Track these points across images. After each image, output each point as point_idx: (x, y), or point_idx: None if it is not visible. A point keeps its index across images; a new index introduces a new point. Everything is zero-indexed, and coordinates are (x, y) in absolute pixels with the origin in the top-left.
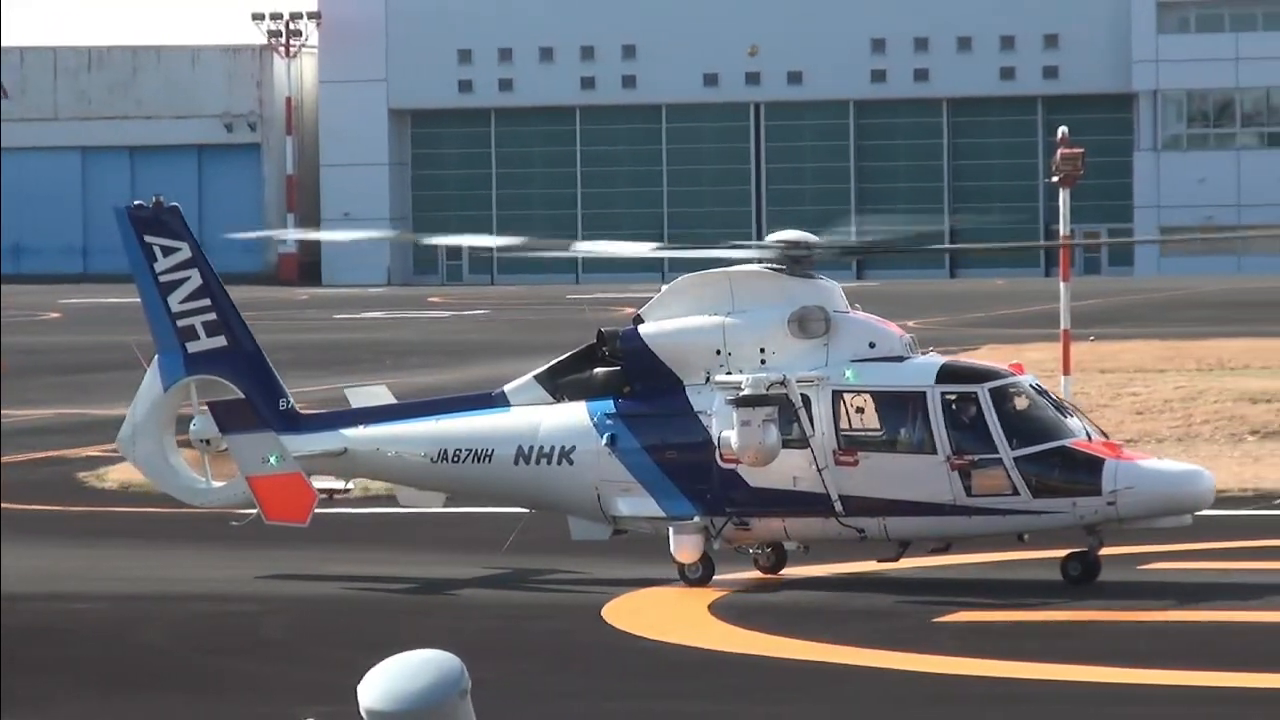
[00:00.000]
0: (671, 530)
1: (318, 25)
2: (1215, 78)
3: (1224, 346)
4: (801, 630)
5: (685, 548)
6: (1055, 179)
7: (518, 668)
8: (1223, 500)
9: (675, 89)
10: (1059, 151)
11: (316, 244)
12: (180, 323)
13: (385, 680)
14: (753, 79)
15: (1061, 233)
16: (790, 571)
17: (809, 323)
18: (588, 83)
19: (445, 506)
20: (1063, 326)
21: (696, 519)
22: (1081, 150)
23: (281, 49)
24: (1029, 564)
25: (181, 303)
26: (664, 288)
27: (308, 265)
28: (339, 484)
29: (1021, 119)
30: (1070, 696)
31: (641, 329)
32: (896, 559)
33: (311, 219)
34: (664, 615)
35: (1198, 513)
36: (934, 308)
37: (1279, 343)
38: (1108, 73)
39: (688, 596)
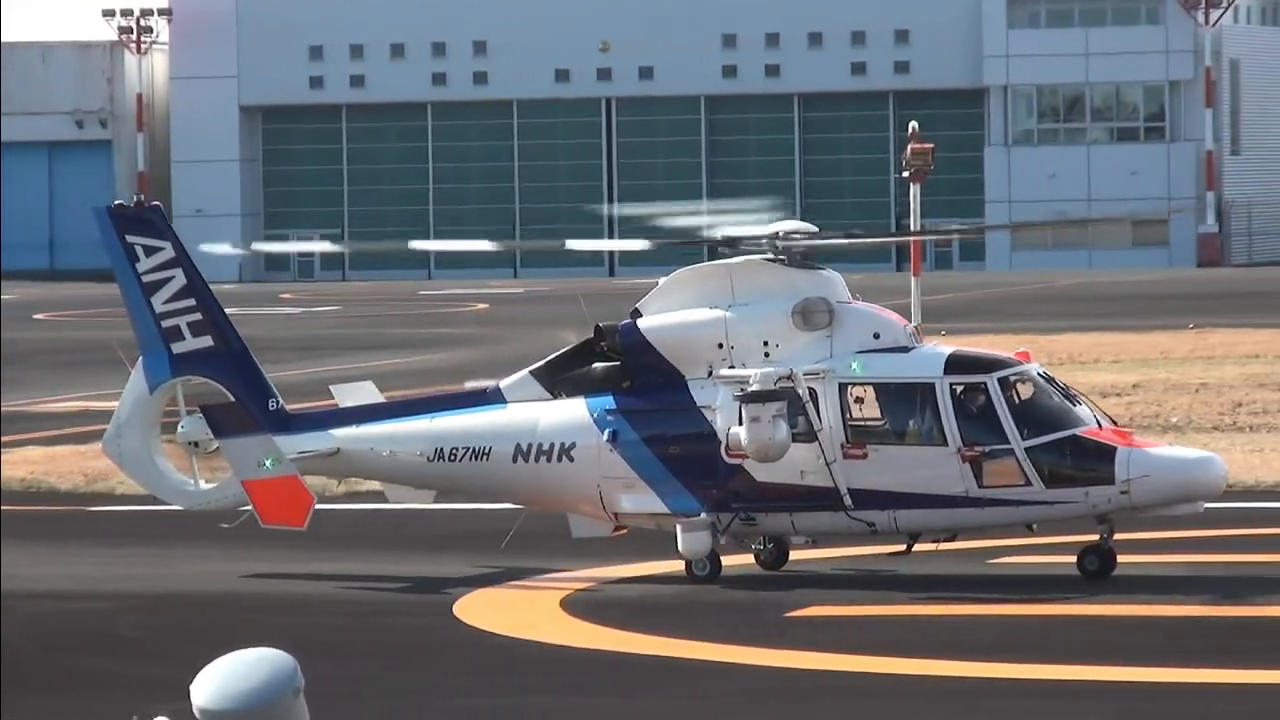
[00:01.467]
0: (679, 527)
1: (169, 22)
2: (1065, 73)
3: (1075, 341)
4: (654, 625)
5: (693, 544)
6: (906, 174)
7: (370, 664)
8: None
9: (527, 85)
10: (910, 147)
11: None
12: (165, 323)
13: (217, 679)
14: (604, 75)
15: (912, 228)
16: (643, 567)
17: (812, 314)
18: (439, 79)
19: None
20: (915, 322)
21: (703, 515)
22: (932, 145)
23: (133, 45)
24: (885, 558)
25: (165, 303)
26: (661, 280)
27: None
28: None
29: (872, 114)
30: (915, 691)
31: (640, 323)
32: (907, 551)
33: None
34: (516, 612)
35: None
36: None
37: (1130, 337)
38: (959, 68)
39: (540, 593)
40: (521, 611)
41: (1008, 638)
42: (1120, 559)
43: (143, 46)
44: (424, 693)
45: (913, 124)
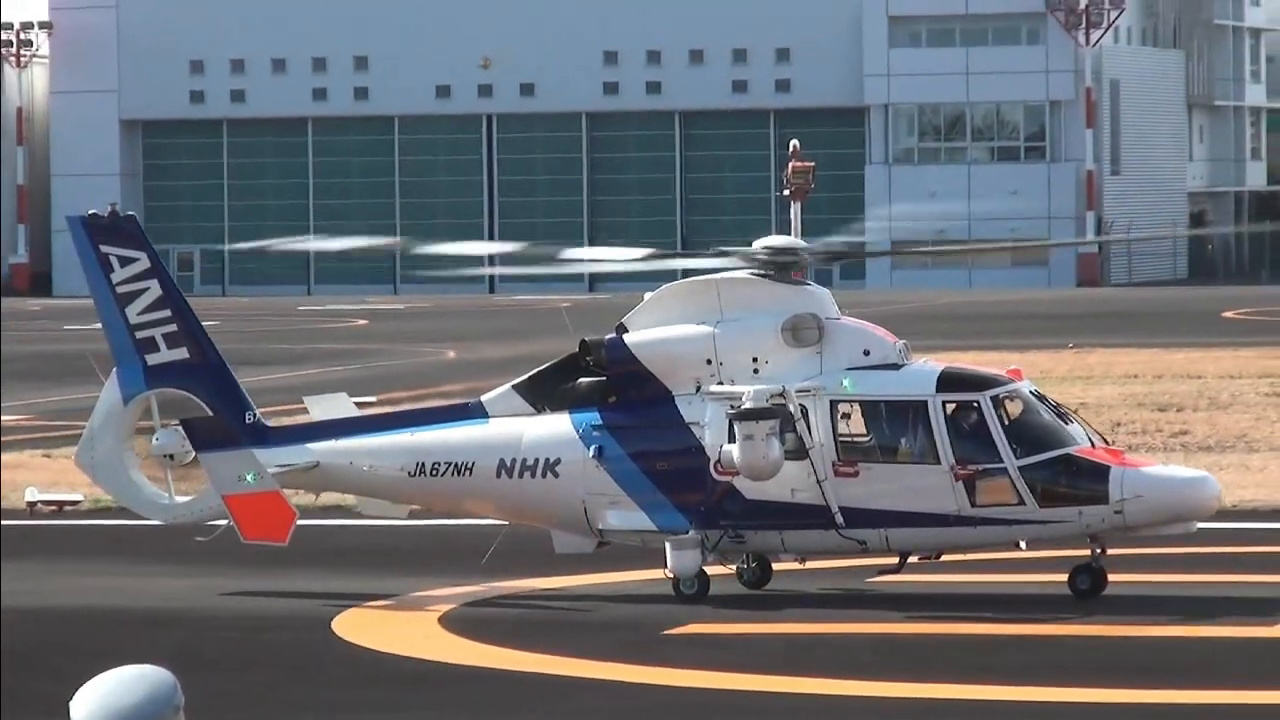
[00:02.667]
0: (668, 545)
1: (49, 35)
2: (946, 92)
3: (955, 360)
4: (532, 643)
5: (683, 562)
6: (787, 192)
7: (249, 679)
8: None
9: (407, 101)
10: (790, 165)
11: (48, 253)
12: (139, 334)
13: (97, 696)
14: (485, 91)
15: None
16: (522, 584)
17: (802, 331)
18: (320, 94)
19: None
20: None
21: (692, 533)
22: (813, 164)
23: (12, 59)
24: (785, 575)
25: (140, 314)
26: (647, 295)
27: (40, 276)
28: (70, 495)
29: (754, 132)
30: (789, 709)
31: (627, 338)
32: (898, 570)
33: (43, 229)
34: (395, 628)
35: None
36: None
37: (1009, 356)
38: (840, 86)
39: (419, 609)
40: (400, 628)
41: (885, 657)
42: (978, 577)
43: (22, 60)
44: (304, 707)
45: (794, 142)
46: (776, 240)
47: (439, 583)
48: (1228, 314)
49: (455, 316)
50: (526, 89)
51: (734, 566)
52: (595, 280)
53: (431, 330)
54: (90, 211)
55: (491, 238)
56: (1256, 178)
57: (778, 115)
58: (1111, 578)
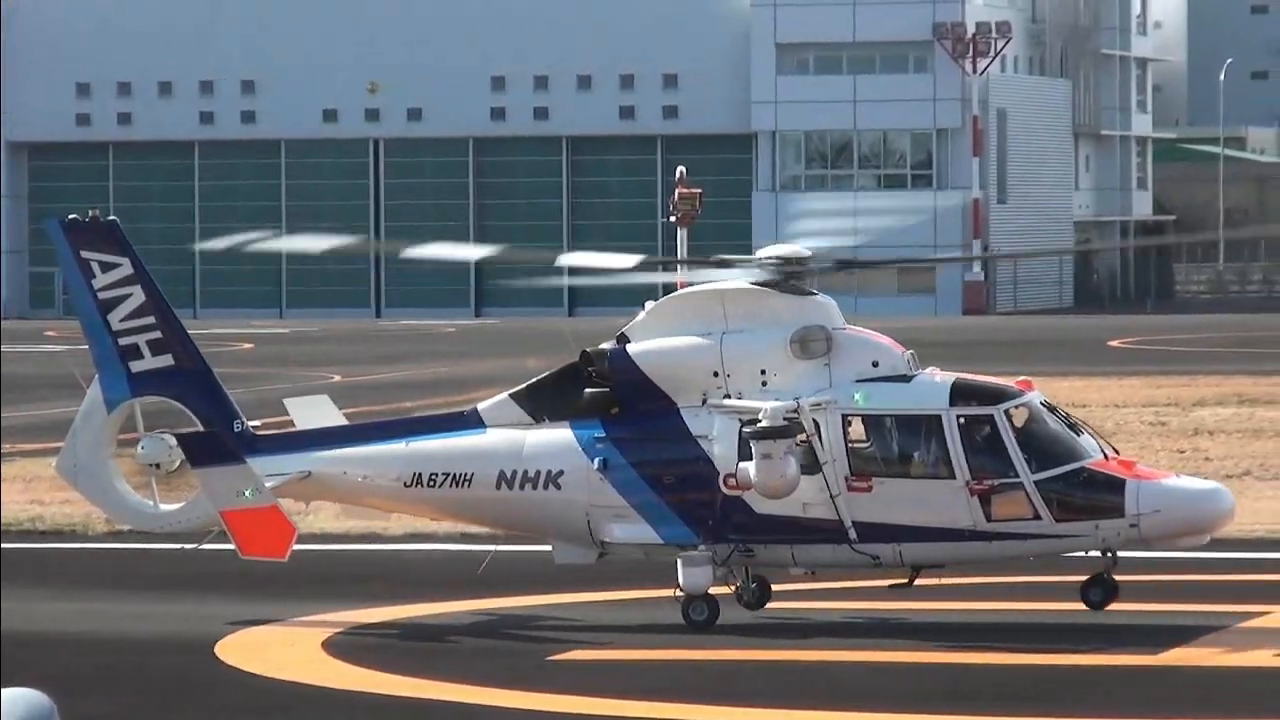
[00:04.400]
0: (680, 561)
1: None
2: (833, 119)
3: None
4: (414, 668)
5: (695, 579)
6: (674, 218)
7: (127, 703)
8: None
9: (294, 125)
10: (677, 191)
11: None
12: (122, 341)
13: None
14: (372, 115)
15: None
16: (410, 609)
17: (810, 343)
18: (207, 118)
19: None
20: None
21: (702, 548)
22: (699, 190)
23: None
24: (649, 603)
25: (123, 320)
26: (648, 305)
27: None
28: None
29: (641, 158)
30: None
31: (630, 349)
32: (909, 584)
33: None
34: (278, 652)
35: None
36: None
37: None
38: (727, 113)
39: (303, 634)
40: (282, 652)
41: (773, 682)
42: (872, 605)
43: None
44: None
45: (680, 169)
46: (781, 249)
47: (325, 607)
48: (1113, 343)
49: (341, 341)
50: (414, 114)
51: (734, 587)
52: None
53: (317, 354)
54: (70, 216)
55: (378, 264)
56: (1143, 207)
57: (665, 141)
58: (1010, 607)
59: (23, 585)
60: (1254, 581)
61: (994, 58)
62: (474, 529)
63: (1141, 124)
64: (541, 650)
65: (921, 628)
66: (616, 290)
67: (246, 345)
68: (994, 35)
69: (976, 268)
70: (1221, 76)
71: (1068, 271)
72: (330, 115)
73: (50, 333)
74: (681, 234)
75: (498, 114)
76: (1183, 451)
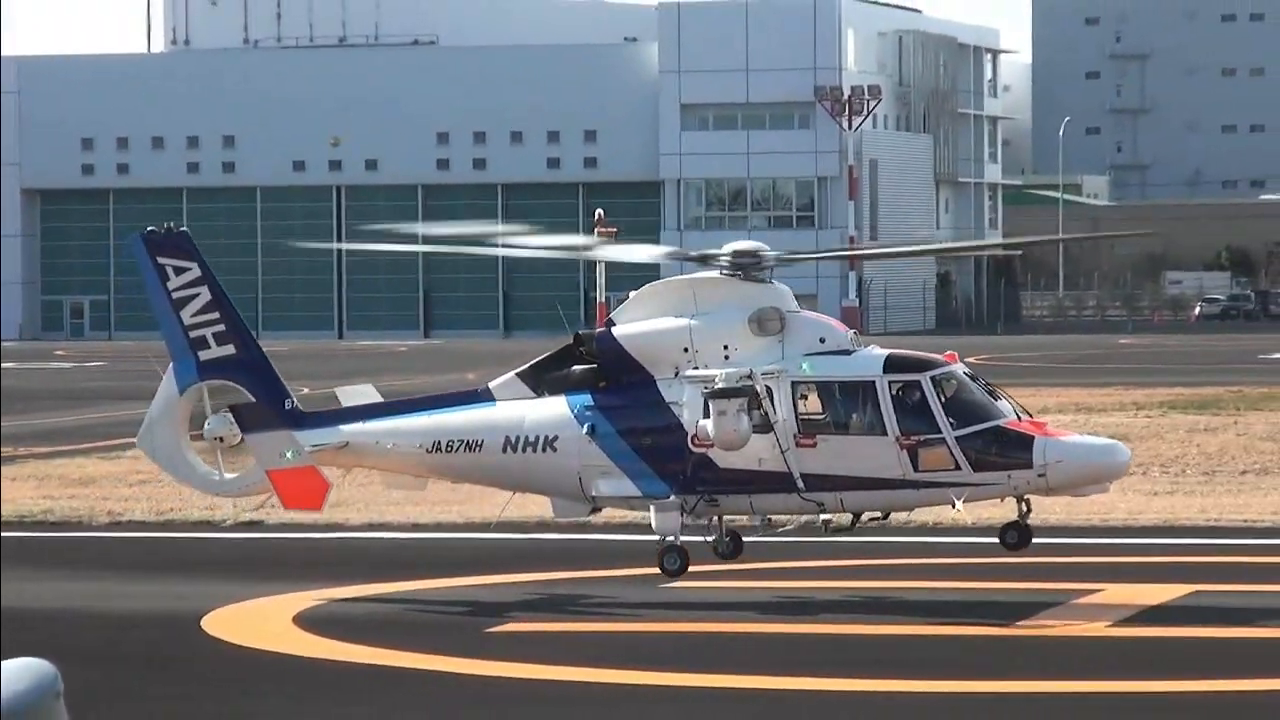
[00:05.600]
0: (653, 508)
1: None
2: (730, 169)
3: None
4: (371, 639)
5: (665, 523)
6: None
7: (116, 673)
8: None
9: (268, 174)
10: (596, 230)
11: None
12: (192, 334)
13: None
14: (335, 165)
15: (598, 300)
16: (365, 589)
17: (766, 322)
18: (193, 167)
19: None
20: None
21: (672, 497)
22: (616, 229)
23: None
24: (579, 581)
25: (193, 316)
26: (631, 294)
27: None
28: None
29: (565, 202)
30: (599, 698)
31: (615, 330)
32: (851, 526)
33: None
34: (254, 626)
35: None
36: (449, 366)
37: None
38: (639, 163)
39: (277, 608)
40: (259, 626)
41: (680, 650)
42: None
43: None
44: (166, 698)
45: (599, 211)
46: (743, 245)
47: (296, 587)
48: (969, 360)
49: (308, 359)
50: (371, 164)
51: (711, 539)
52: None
53: (288, 370)
54: (149, 229)
55: (341, 292)
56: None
57: (586, 187)
58: (885, 584)
59: (29, 568)
60: (1088, 564)
61: (866, 116)
62: (429, 518)
63: (992, 172)
64: (481, 624)
65: (808, 604)
66: (545, 318)
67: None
68: (867, 97)
69: (853, 294)
70: (1060, 132)
71: (930, 298)
72: (299, 165)
73: (59, 352)
74: (600, 268)
75: (443, 164)
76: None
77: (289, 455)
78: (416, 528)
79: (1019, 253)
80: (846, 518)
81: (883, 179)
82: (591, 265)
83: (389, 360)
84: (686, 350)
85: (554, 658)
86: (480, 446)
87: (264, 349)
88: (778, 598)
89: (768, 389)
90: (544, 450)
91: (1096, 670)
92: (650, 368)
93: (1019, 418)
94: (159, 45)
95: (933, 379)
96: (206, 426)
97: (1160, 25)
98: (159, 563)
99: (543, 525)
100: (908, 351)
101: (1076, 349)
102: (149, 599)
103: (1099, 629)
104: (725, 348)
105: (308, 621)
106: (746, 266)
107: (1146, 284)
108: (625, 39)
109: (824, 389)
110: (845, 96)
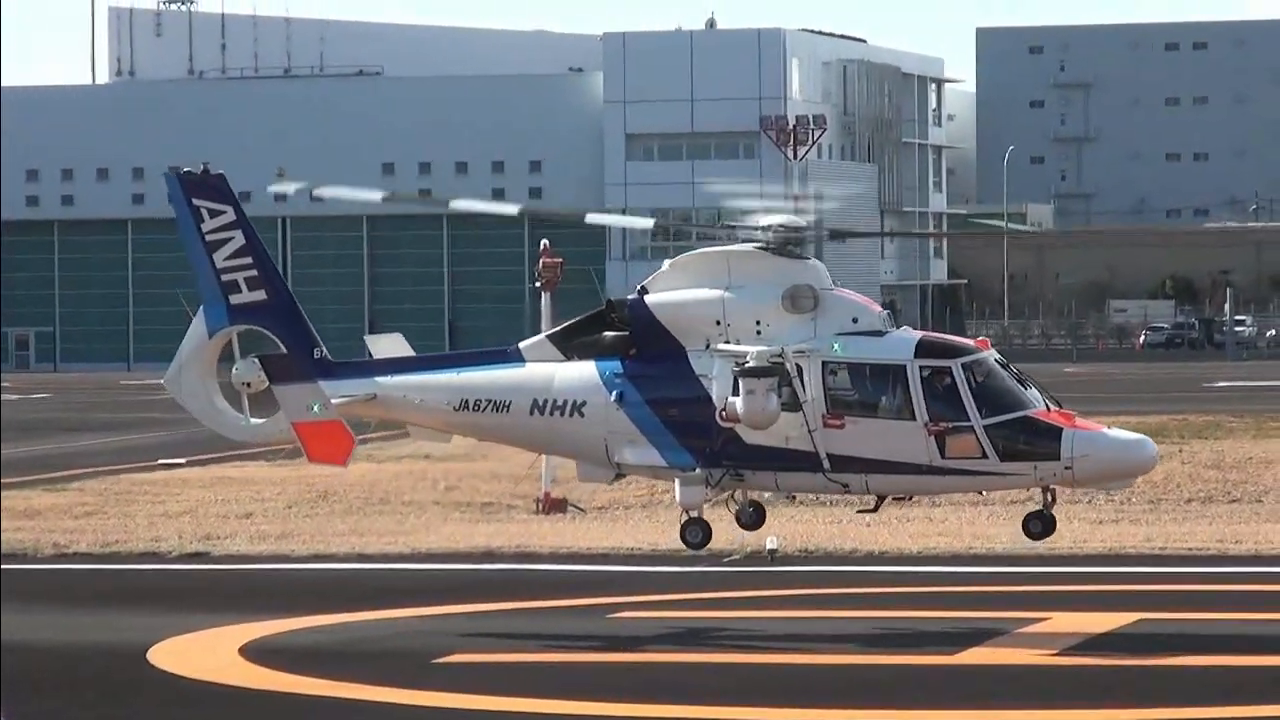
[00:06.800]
0: (677, 481)
1: None
2: (675, 198)
3: None
4: (318, 670)
5: (690, 496)
6: (538, 284)
7: (62, 705)
8: (679, 558)
9: None
10: (542, 261)
11: None
12: (224, 277)
13: None
14: (280, 196)
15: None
16: (311, 620)
17: (800, 299)
18: (139, 199)
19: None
20: None
21: (698, 470)
22: (561, 260)
23: None
24: (526, 613)
25: (226, 260)
26: (666, 263)
27: None
28: None
29: (511, 233)
30: None
31: (647, 299)
32: (875, 509)
33: None
34: (201, 657)
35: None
36: None
37: None
38: (584, 193)
39: (223, 639)
40: (205, 657)
41: (625, 679)
42: (716, 614)
43: None
44: None
45: (544, 241)
46: (781, 218)
47: (242, 618)
48: None
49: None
50: (315, 196)
51: (734, 510)
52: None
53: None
54: (185, 169)
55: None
56: (939, 273)
57: (533, 217)
58: (831, 613)
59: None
60: (1034, 592)
61: (811, 145)
62: (375, 549)
63: (937, 202)
64: (427, 654)
65: (754, 634)
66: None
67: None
68: (811, 126)
69: None
70: (1005, 161)
71: None
72: (244, 196)
73: (5, 384)
74: (546, 297)
75: (387, 197)
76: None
77: (315, 409)
78: (362, 558)
79: (964, 281)
80: (871, 499)
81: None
82: (537, 297)
83: None
84: (719, 323)
85: (501, 688)
86: (508, 407)
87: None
88: (723, 627)
89: (798, 367)
90: (571, 415)
91: (1043, 698)
92: (681, 338)
93: (1048, 408)
94: (104, 76)
95: (964, 365)
96: (234, 371)
97: (1104, 54)
98: (105, 594)
99: (489, 556)
100: (940, 336)
101: None
102: (95, 631)
103: (1046, 657)
104: (758, 323)
105: (254, 653)
106: (783, 241)
107: (1091, 312)
108: (570, 69)
109: (854, 370)
110: (790, 126)
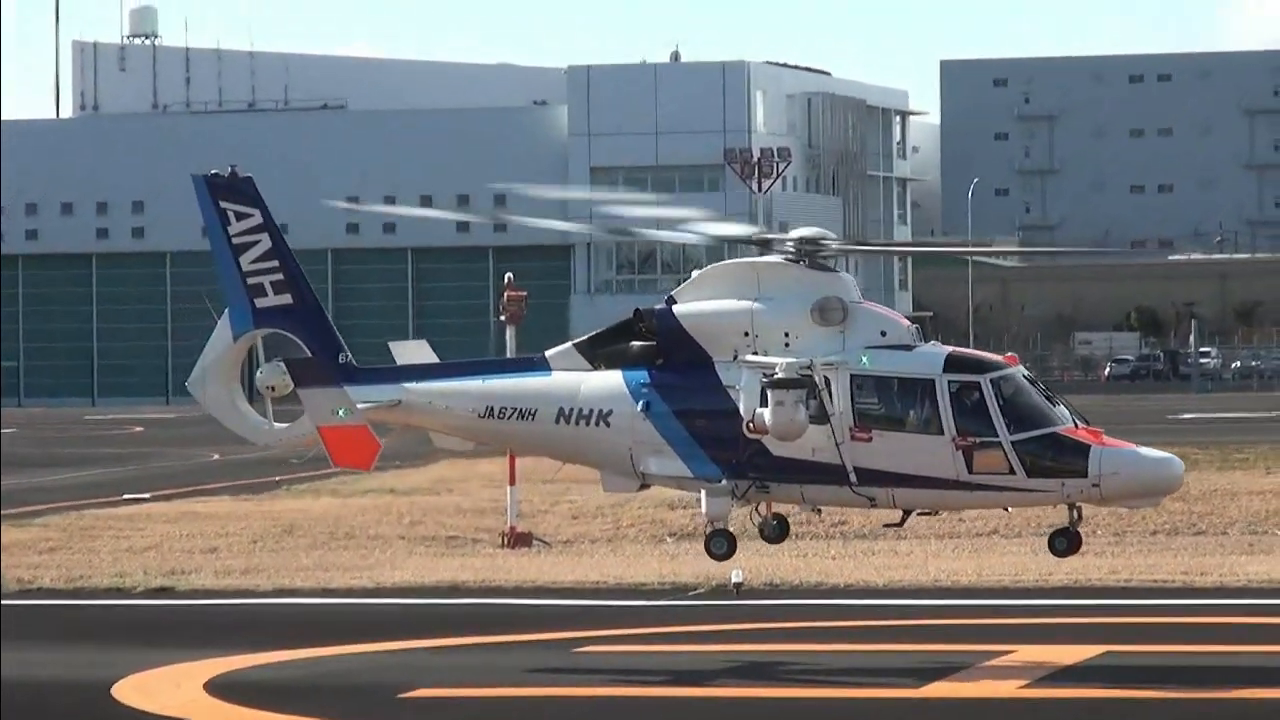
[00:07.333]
0: (704, 492)
1: None
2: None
3: None
4: (284, 705)
5: (716, 508)
6: (503, 318)
7: None
8: (645, 592)
9: (178, 239)
10: (506, 294)
11: None
12: (250, 280)
13: None
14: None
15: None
16: (276, 655)
17: (829, 311)
18: (103, 233)
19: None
20: None
21: (724, 481)
22: (525, 294)
23: None
24: (490, 647)
25: (252, 263)
26: (695, 273)
27: None
28: None
29: (475, 266)
30: None
31: (675, 308)
32: (901, 524)
33: None
34: (166, 692)
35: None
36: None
37: None
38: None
39: (189, 675)
40: (170, 693)
41: (589, 714)
42: (684, 648)
43: None
44: None
45: (508, 275)
46: (808, 231)
47: (208, 653)
48: None
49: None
50: (281, 228)
51: (757, 524)
52: None
53: (199, 435)
54: (212, 171)
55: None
56: (904, 305)
57: (495, 251)
58: (795, 647)
59: None
60: (1000, 625)
61: (776, 178)
62: (340, 583)
63: (902, 234)
64: (392, 690)
65: (717, 669)
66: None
67: (138, 428)
68: (776, 159)
69: None
70: (969, 193)
71: None
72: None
73: None
74: (510, 331)
75: (352, 229)
76: (937, 513)
77: (341, 413)
78: (327, 593)
79: (930, 314)
80: (897, 513)
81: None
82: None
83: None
84: (747, 334)
85: None
86: (533, 415)
87: (177, 415)
88: (687, 663)
89: (826, 380)
90: (597, 424)
91: None
92: (709, 349)
93: (1076, 424)
94: (68, 110)
95: (993, 381)
96: (258, 375)
97: (1068, 86)
98: (69, 630)
99: (454, 590)
100: (969, 351)
101: None
102: (59, 667)
103: (1011, 690)
104: (786, 334)
105: (219, 688)
106: (812, 253)
107: (1056, 345)
108: (535, 102)
109: (882, 384)
110: (754, 159)
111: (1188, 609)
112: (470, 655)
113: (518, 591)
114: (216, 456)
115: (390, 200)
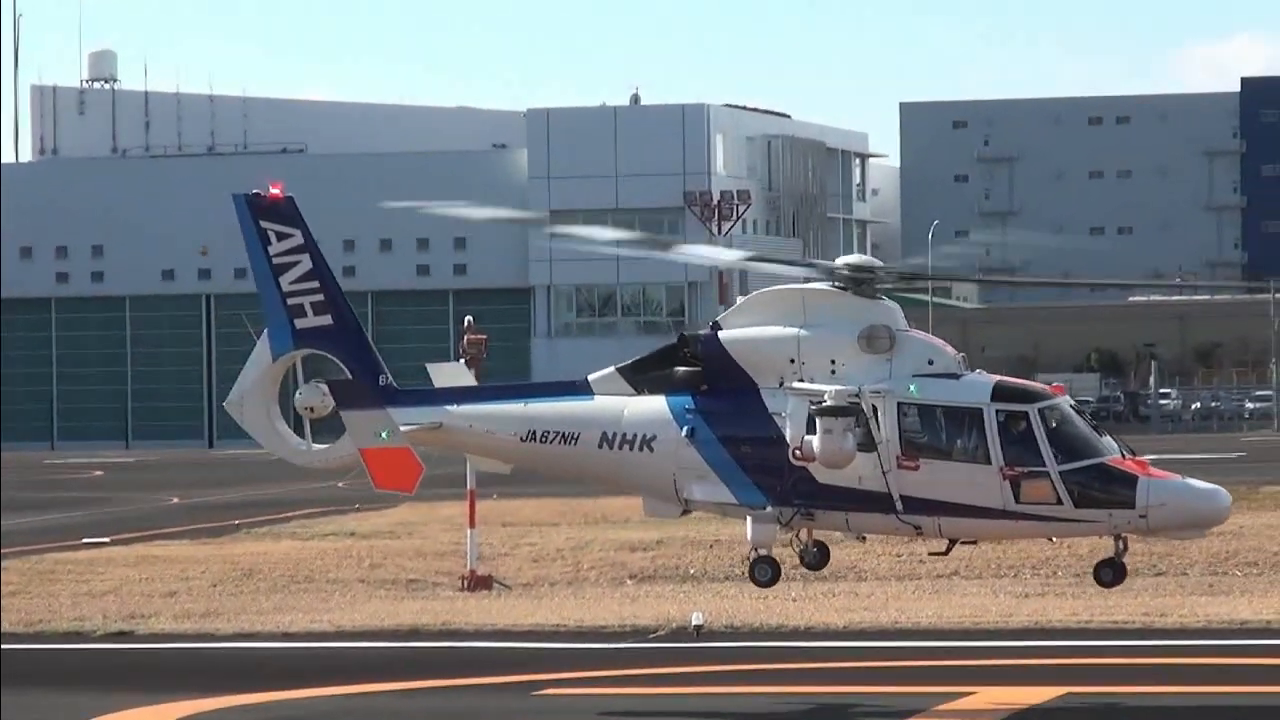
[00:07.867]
0: (750, 519)
1: None
2: (600, 275)
3: (608, 503)
4: None
5: (761, 535)
6: (463, 360)
7: None
8: (605, 635)
9: (137, 283)
10: (466, 337)
11: None
12: (290, 301)
13: None
14: (204, 274)
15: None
16: (236, 699)
17: (876, 339)
18: (62, 278)
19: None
20: (469, 486)
21: (769, 509)
22: (485, 336)
23: None
24: (461, 689)
25: (292, 283)
26: (740, 299)
27: None
28: None
29: (435, 309)
30: None
31: (721, 334)
32: (945, 552)
33: None
34: None
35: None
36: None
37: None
38: (509, 270)
39: (149, 719)
40: None
41: None
42: (637, 691)
43: None
44: None
45: (469, 318)
46: (855, 259)
47: (172, 697)
48: None
49: (179, 468)
50: (240, 272)
51: (798, 550)
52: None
53: (157, 479)
54: (254, 191)
55: (211, 401)
56: None
57: (456, 294)
58: (755, 689)
59: None
60: (960, 666)
61: (736, 220)
62: (300, 627)
63: None
64: None
65: (677, 710)
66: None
67: (98, 471)
68: (736, 201)
69: None
70: (929, 235)
71: None
72: (168, 274)
73: None
74: (471, 373)
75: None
76: (899, 555)
77: (384, 435)
78: (287, 636)
79: None
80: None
81: (753, 283)
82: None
83: (259, 469)
84: (793, 361)
85: None
86: (576, 439)
87: (136, 458)
88: (648, 704)
89: (873, 408)
90: (640, 449)
91: None
92: (754, 375)
93: (1123, 455)
94: (26, 154)
95: (1040, 410)
96: (298, 396)
97: (1028, 129)
98: (29, 674)
99: (414, 633)
100: (1016, 380)
101: None
102: (19, 711)
103: None
104: (832, 361)
105: None
106: (860, 280)
107: None
108: (494, 145)
109: (929, 412)
110: (714, 201)
111: (1148, 650)
112: (430, 698)
113: (478, 634)
114: (175, 500)
115: (350, 245)
